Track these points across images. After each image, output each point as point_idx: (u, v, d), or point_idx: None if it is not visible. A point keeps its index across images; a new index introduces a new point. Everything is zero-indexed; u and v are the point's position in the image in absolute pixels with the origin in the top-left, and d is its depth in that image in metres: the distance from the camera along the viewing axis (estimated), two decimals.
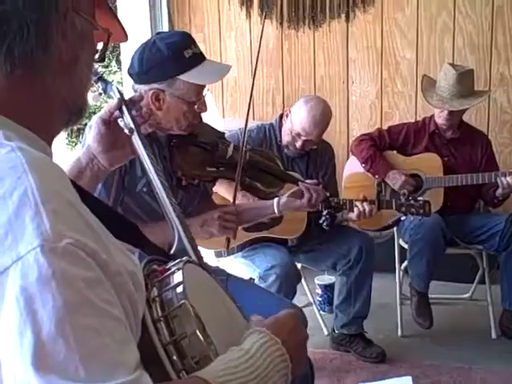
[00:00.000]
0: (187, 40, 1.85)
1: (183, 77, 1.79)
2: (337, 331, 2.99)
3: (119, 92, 1.43)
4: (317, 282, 3.42)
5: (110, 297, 0.74)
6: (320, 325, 3.16)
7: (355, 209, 2.60)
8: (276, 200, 2.16)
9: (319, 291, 3.41)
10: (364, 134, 3.18)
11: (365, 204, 2.60)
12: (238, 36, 3.93)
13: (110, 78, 5.76)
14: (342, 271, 2.89)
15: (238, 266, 2.83)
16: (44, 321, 0.66)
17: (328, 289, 3.37)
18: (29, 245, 0.68)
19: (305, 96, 2.98)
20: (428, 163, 3.05)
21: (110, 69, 5.72)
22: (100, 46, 1.02)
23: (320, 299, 3.41)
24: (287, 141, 2.82)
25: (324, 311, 3.35)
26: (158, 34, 1.92)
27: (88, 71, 0.95)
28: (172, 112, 1.83)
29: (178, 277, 0.98)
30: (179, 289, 0.96)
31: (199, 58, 1.84)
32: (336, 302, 2.99)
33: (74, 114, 0.95)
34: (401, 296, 3.19)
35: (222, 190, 2.47)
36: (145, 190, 1.84)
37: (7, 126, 0.80)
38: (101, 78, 1.46)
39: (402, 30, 3.65)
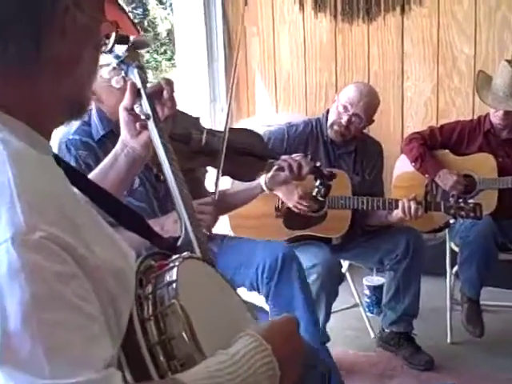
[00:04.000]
0: None
1: None
2: (386, 330, 2.90)
3: (139, 76, 1.39)
4: (365, 282, 3.33)
5: (84, 292, 0.73)
6: (366, 327, 3.07)
7: (399, 205, 2.53)
8: (262, 177, 2.16)
9: (367, 292, 3.32)
10: (415, 133, 3.07)
11: (411, 202, 2.51)
12: (292, 30, 3.87)
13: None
14: (389, 266, 2.80)
15: None
16: (11, 315, 0.66)
17: (377, 290, 3.27)
18: (2, 236, 0.68)
19: None
20: (482, 163, 2.91)
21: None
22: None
23: (368, 300, 3.31)
24: (333, 119, 2.74)
25: (372, 313, 3.26)
26: None
27: (92, 67, 0.92)
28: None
29: (173, 274, 0.95)
30: (171, 287, 0.93)
31: None
32: (385, 299, 2.90)
33: (75, 109, 0.93)
34: (451, 301, 3.06)
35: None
36: (138, 187, 1.90)
37: None
38: (123, 62, 1.42)
39: (460, 23, 3.48)
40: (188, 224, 1.23)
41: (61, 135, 1.92)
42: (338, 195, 2.58)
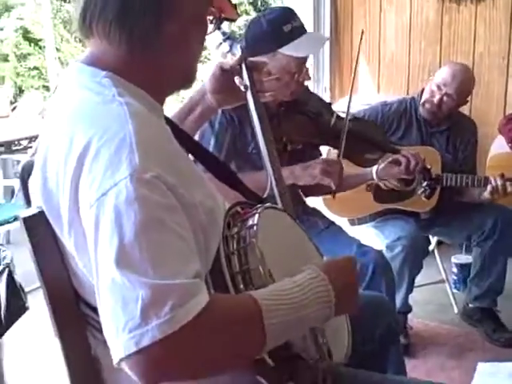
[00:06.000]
0: (287, 15, 2.02)
1: (282, 50, 1.96)
2: (470, 304, 2.99)
3: (243, 51, 1.59)
4: (453, 260, 3.41)
5: (181, 221, 0.94)
6: (450, 302, 3.17)
7: (488, 185, 2.60)
8: (375, 167, 2.26)
9: (455, 270, 3.41)
10: None
11: (498, 179, 2.58)
12: (398, 9, 3.94)
13: None
14: (476, 242, 2.88)
15: (369, 235, 2.94)
16: (126, 231, 0.89)
17: (464, 268, 3.34)
18: (122, 174, 0.91)
19: None
20: None
21: None
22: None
23: (455, 278, 3.40)
24: (426, 98, 2.84)
25: (458, 290, 3.35)
26: (264, 11, 2.09)
27: (198, 47, 1.15)
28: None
29: (254, 219, 1.16)
30: (252, 229, 1.14)
31: (298, 31, 2.00)
32: (471, 275, 2.99)
33: (183, 81, 1.17)
34: None
35: None
36: (255, 151, 2.02)
37: (123, 86, 1.04)
38: (229, 38, 1.61)
39: None
40: (273, 179, 1.45)
41: None
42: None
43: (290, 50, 1.98)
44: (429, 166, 2.39)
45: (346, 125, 2.14)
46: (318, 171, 2.02)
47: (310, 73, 3.96)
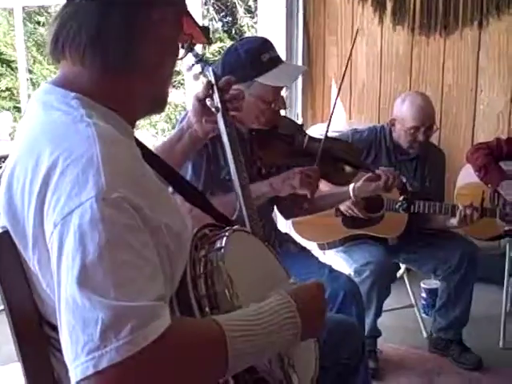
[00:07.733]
0: (265, 45, 2.04)
1: (260, 79, 1.99)
2: (434, 334, 3.02)
3: (214, 74, 1.62)
4: (422, 285, 3.45)
5: (146, 242, 0.94)
6: (420, 327, 3.20)
7: (457, 213, 2.65)
8: (352, 185, 2.30)
9: (424, 295, 3.44)
10: (481, 143, 3.15)
11: (467, 209, 2.63)
12: (369, 41, 4.02)
13: None
14: (442, 276, 2.92)
15: (338, 260, 2.96)
16: (90, 251, 0.88)
17: (433, 293, 3.37)
18: (88, 195, 0.90)
19: (397, 98, 3.00)
20: None
21: None
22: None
23: (424, 303, 3.44)
24: (408, 141, 2.87)
25: (427, 315, 3.38)
26: (240, 40, 2.12)
27: (171, 69, 1.17)
28: (251, 110, 1.99)
29: (222, 242, 1.16)
30: (220, 252, 1.14)
31: (276, 61, 2.02)
32: (436, 306, 3.02)
33: (155, 105, 1.18)
34: (507, 308, 3.13)
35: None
36: (227, 177, 2.01)
37: (92, 108, 1.05)
38: (201, 60, 1.63)
39: None
40: (242, 201, 1.46)
41: None
42: (394, 198, 2.73)
43: (267, 80, 1.99)
44: (404, 180, 2.42)
45: (321, 145, 2.17)
46: (296, 181, 2.02)
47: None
